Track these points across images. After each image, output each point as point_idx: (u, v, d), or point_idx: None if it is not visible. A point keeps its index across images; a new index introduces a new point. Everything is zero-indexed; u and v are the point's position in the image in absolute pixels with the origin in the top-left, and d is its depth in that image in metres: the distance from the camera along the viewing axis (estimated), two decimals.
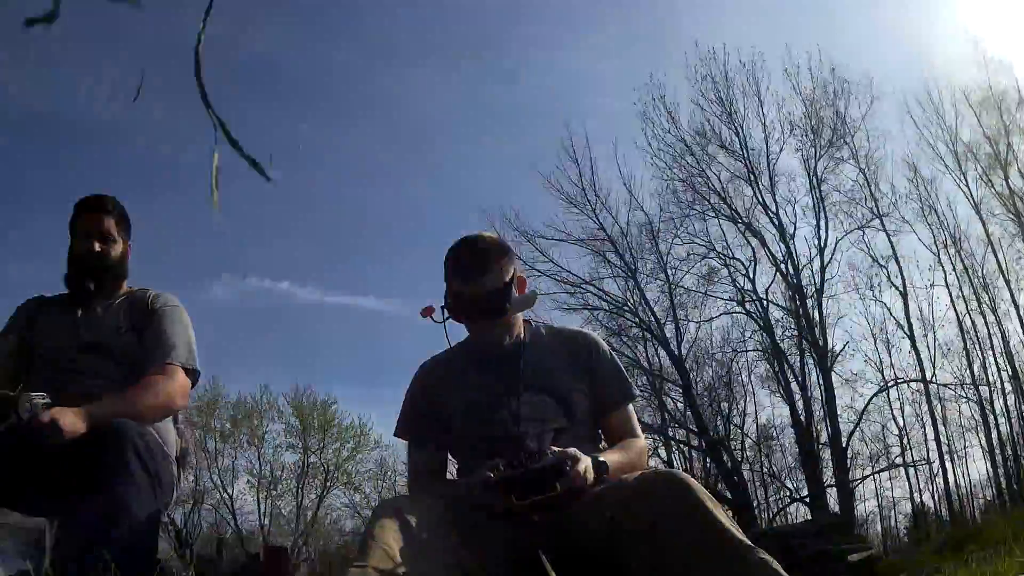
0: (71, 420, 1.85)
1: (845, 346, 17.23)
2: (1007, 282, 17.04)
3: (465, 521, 1.63)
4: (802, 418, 16.61)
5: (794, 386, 16.92)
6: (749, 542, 1.43)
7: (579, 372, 2.00)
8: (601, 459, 1.74)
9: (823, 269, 16.52)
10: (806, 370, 16.83)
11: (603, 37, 32.77)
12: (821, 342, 16.21)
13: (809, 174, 16.73)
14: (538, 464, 1.66)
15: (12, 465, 1.85)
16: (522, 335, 2.03)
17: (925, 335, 18.01)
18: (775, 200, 16.75)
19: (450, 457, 2.05)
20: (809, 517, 14.26)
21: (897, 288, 17.50)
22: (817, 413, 16.73)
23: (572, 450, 1.68)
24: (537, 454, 1.71)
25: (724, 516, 1.49)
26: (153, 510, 1.87)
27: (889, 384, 18.06)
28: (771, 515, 19.22)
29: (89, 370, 2.17)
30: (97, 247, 2.30)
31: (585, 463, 1.67)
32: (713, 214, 17.00)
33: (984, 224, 17.22)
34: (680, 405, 17.46)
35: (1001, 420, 17.54)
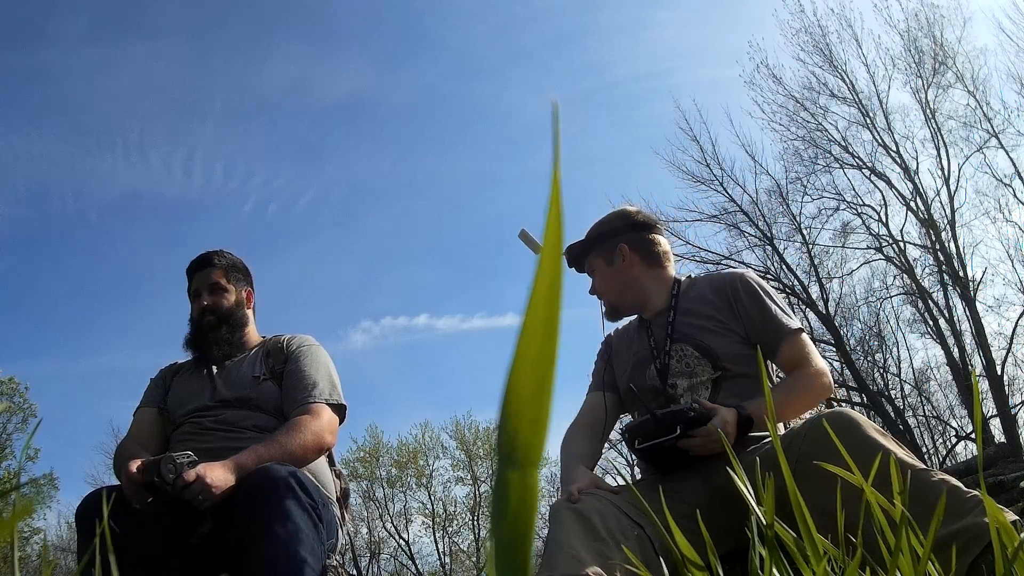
0: (220, 474, 1.78)
1: (984, 272, 16.77)
2: None
3: (651, 503, 1.49)
4: (955, 353, 16.33)
5: (942, 323, 16.63)
6: (925, 466, 1.43)
7: (728, 318, 1.96)
8: (745, 412, 1.70)
9: (951, 199, 16.14)
10: (951, 304, 16.51)
11: (683, 11, 32.38)
12: (961, 273, 15.87)
13: (921, 105, 16.39)
14: (662, 411, 1.68)
15: (171, 531, 1.80)
16: (673, 292, 2.08)
17: None
18: (894, 139, 16.52)
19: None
20: (976, 452, 13.99)
21: None
22: (968, 345, 16.41)
23: (709, 404, 1.69)
24: (671, 404, 1.75)
25: (896, 445, 1.48)
26: (318, 551, 1.74)
27: None
28: (941, 458, 18.86)
29: (235, 425, 2.11)
30: (207, 301, 2.27)
31: (722, 417, 1.65)
32: (837, 165, 16.90)
33: None
34: (836, 364, 17.41)
35: None
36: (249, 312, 2.37)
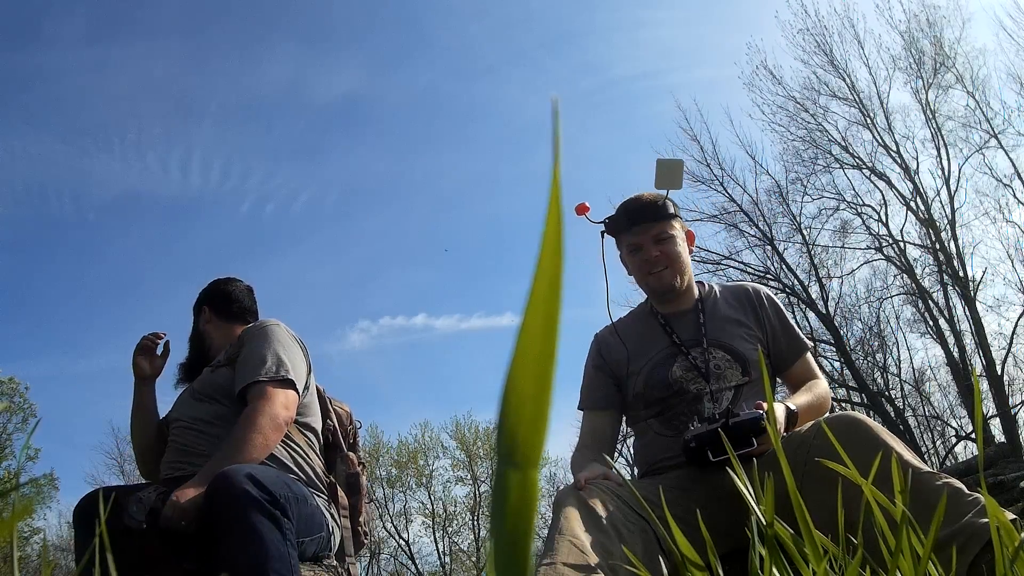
0: (190, 493, 1.79)
1: (984, 272, 16.78)
2: None
3: (651, 499, 1.54)
4: (955, 353, 16.33)
5: (942, 323, 16.64)
6: (930, 469, 1.44)
7: (754, 325, 1.98)
8: (792, 407, 1.72)
9: (951, 199, 16.16)
10: (951, 304, 16.52)
11: (679, 10, 32.35)
12: (961, 273, 15.88)
13: (922, 105, 16.40)
14: (735, 420, 1.61)
15: (153, 554, 1.83)
16: (697, 294, 2.04)
17: None
18: (894, 139, 16.53)
19: (625, 419, 2.06)
20: (976, 452, 14.03)
21: None
22: (968, 345, 16.42)
23: (766, 404, 1.72)
24: (732, 410, 1.67)
25: (903, 447, 1.48)
26: (283, 551, 1.70)
27: None
28: (940, 458, 18.86)
29: (206, 417, 2.17)
30: None
31: (780, 415, 1.67)
32: (837, 165, 16.91)
33: None
34: (836, 364, 17.42)
35: None
36: (208, 327, 2.50)
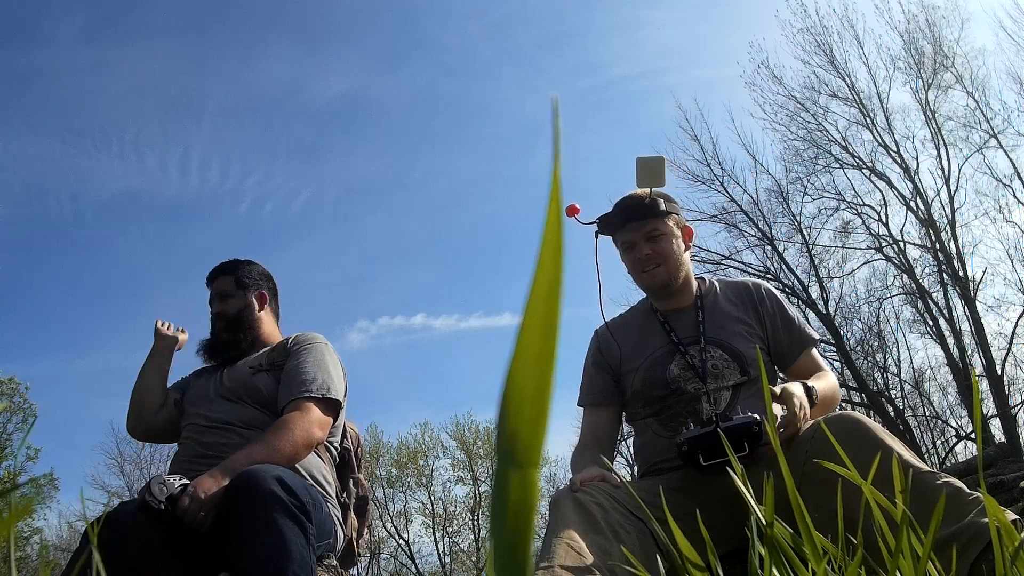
0: (208, 483, 1.78)
1: (984, 272, 16.77)
2: None
3: (651, 499, 1.55)
4: (955, 353, 16.33)
5: (942, 323, 16.64)
6: (930, 468, 1.43)
7: (754, 323, 1.97)
8: (809, 384, 1.70)
9: (951, 199, 16.17)
10: (951, 304, 16.52)
11: (678, 10, 32.35)
12: (961, 273, 15.89)
13: (922, 106, 16.42)
14: (727, 424, 1.60)
15: (166, 541, 1.82)
16: (696, 291, 2.03)
17: None
18: (894, 139, 16.55)
19: (625, 417, 2.05)
20: (976, 452, 13.96)
21: None
22: (968, 345, 16.41)
23: (778, 389, 1.63)
24: (726, 414, 1.66)
25: (902, 447, 1.48)
26: (305, 556, 1.70)
27: None
28: (940, 458, 18.86)
29: (234, 420, 2.13)
30: (216, 309, 2.38)
31: (799, 391, 1.65)
32: (837, 165, 16.91)
33: None
34: (836, 364, 17.41)
35: None
36: (262, 314, 2.41)
